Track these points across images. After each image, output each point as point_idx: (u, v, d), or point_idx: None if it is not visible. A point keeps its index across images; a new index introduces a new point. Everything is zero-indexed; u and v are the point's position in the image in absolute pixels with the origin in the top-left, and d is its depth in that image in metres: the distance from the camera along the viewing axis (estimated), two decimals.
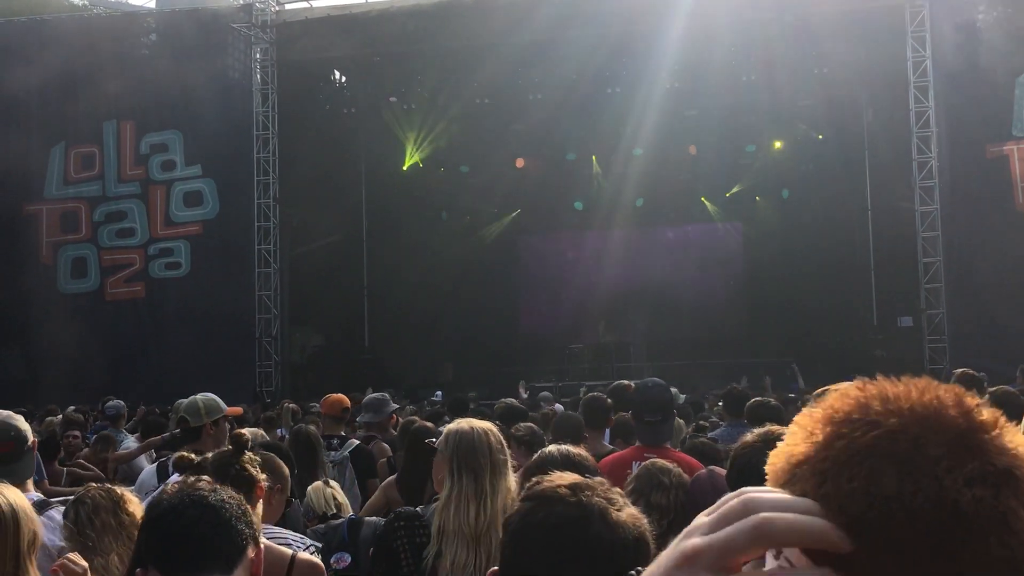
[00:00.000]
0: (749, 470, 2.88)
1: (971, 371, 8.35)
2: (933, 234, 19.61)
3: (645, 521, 1.68)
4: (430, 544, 3.70)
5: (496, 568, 1.69)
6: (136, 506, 3.51)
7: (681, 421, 9.00)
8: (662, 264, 27.40)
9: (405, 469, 6.29)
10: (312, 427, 7.23)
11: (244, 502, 2.39)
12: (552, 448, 2.93)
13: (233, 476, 3.39)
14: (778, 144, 26.14)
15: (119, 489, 3.60)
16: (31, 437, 4.47)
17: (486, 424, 3.88)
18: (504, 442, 3.81)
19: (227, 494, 2.37)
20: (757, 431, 3.04)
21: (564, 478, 1.71)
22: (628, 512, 1.65)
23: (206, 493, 2.33)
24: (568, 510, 1.62)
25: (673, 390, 14.09)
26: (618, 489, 1.72)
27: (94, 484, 3.69)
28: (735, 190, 27.19)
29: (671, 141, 25.06)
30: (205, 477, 2.56)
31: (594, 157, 26.71)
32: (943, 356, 18.80)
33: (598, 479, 1.74)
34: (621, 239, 26.25)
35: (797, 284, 25.25)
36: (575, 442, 4.57)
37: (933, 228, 19.60)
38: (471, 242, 28.00)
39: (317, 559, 3.73)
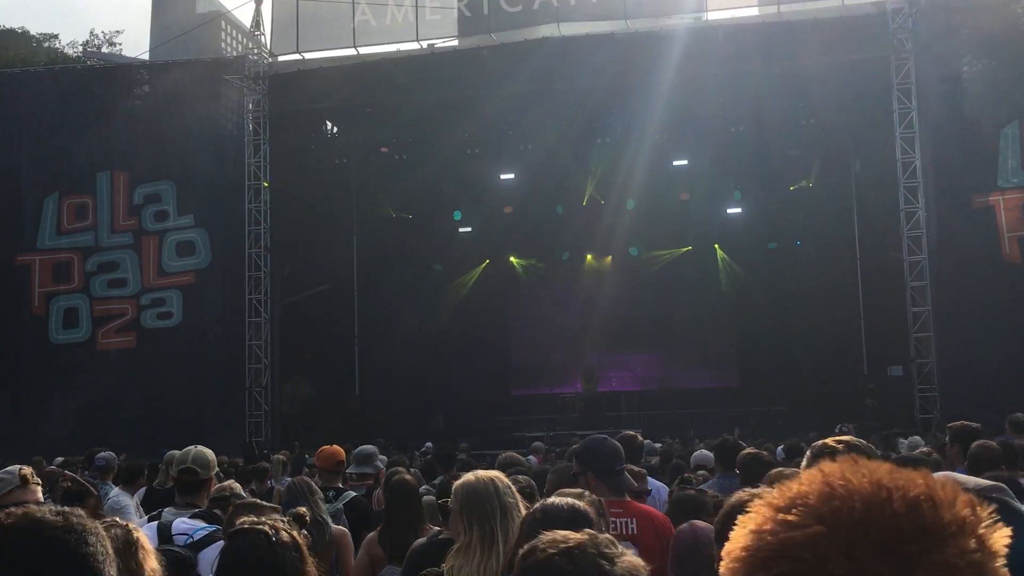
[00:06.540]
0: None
1: (968, 423, 8.15)
2: (922, 284, 19.66)
3: (642, 569, 1.63)
4: None
5: None
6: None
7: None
8: (653, 313, 27.42)
9: (387, 522, 6.25)
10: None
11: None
12: (556, 500, 2.93)
13: None
14: (769, 197, 26.29)
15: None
16: None
17: (492, 472, 3.96)
18: (511, 486, 3.86)
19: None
20: (750, 491, 3.03)
21: (556, 542, 1.66)
22: (622, 564, 1.61)
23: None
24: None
25: (645, 442, 14.13)
26: (608, 537, 1.68)
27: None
28: (721, 252, 27.42)
29: (661, 191, 25.26)
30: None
31: (584, 205, 26.82)
32: (933, 405, 18.81)
33: (588, 532, 1.70)
34: (612, 289, 26.33)
35: (788, 333, 25.31)
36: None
37: (921, 278, 19.66)
38: (461, 291, 28.07)
39: None
